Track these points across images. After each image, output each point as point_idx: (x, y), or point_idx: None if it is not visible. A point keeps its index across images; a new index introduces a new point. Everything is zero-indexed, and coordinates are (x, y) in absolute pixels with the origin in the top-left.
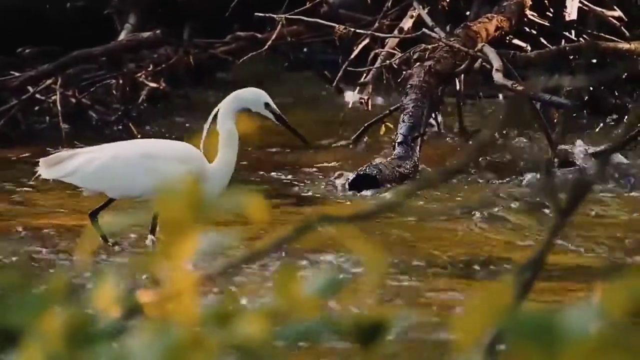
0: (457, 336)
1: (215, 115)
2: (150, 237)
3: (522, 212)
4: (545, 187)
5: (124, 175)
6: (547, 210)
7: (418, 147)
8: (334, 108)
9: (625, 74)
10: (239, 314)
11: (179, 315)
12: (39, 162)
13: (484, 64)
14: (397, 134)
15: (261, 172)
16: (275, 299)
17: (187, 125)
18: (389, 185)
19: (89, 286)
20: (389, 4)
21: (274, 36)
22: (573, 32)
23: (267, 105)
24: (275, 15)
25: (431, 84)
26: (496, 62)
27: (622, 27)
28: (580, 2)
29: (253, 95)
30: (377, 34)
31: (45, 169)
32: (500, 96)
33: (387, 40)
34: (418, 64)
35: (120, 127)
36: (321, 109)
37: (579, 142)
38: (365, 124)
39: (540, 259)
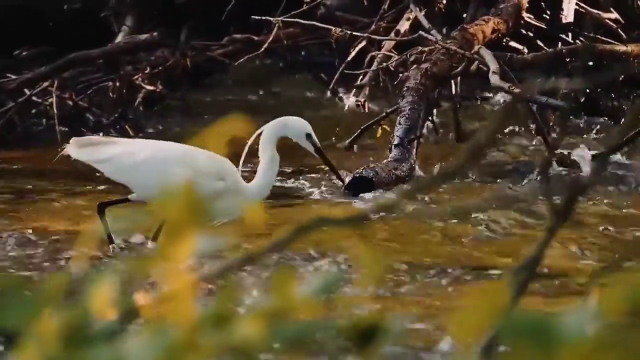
0: (454, 337)
1: (258, 135)
2: (151, 243)
3: (519, 213)
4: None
5: (157, 178)
6: (544, 212)
7: (414, 150)
8: (330, 110)
9: (622, 77)
10: (236, 316)
11: (175, 317)
12: (69, 141)
13: (480, 66)
14: (393, 136)
15: None
16: (272, 300)
17: (183, 127)
18: (385, 188)
19: (86, 288)
20: (386, 6)
21: (270, 38)
22: (570, 34)
23: (308, 136)
24: (271, 18)
25: (428, 86)
26: (493, 65)
27: (619, 30)
28: (577, 4)
29: (297, 125)
30: (373, 36)
31: (75, 149)
32: (501, 99)
33: (383, 43)
34: (415, 66)
35: (117, 129)
36: (318, 111)
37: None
38: (362, 127)
39: (537, 259)
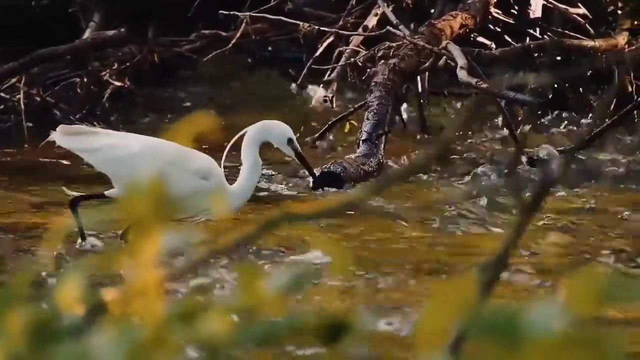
0: (420, 334)
1: (241, 136)
2: (120, 239)
3: (485, 209)
4: (509, 185)
5: (147, 173)
6: (511, 208)
7: (382, 145)
8: (298, 106)
9: (590, 72)
10: (203, 311)
11: (143, 313)
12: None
13: (448, 61)
14: (361, 131)
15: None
16: (239, 296)
17: (151, 123)
18: (353, 183)
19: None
20: (354, 2)
21: (238, 34)
22: (538, 29)
23: (290, 141)
24: (239, 13)
25: (395, 81)
26: (461, 60)
27: (587, 25)
28: None
29: (278, 130)
30: (341, 31)
31: (62, 137)
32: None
33: (351, 38)
34: (382, 61)
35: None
36: (285, 106)
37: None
38: (330, 122)
39: (504, 256)
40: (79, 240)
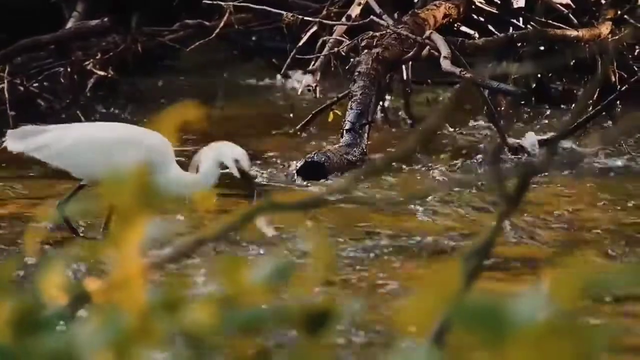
0: (403, 324)
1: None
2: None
3: (469, 199)
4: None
5: (92, 157)
6: (494, 197)
7: (366, 135)
8: (282, 96)
9: (573, 62)
10: (186, 301)
11: (126, 302)
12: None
13: (432, 51)
14: (345, 121)
15: None
16: (222, 286)
17: (135, 113)
18: (337, 173)
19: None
20: None
21: (222, 24)
22: (521, 19)
23: (236, 161)
24: (223, 3)
25: (379, 71)
26: (444, 50)
27: (571, 15)
28: None
29: (228, 152)
30: (325, 21)
31: (12, 142)
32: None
33: (335, 28)
34: (366, 51)
35: (69, 115)
36: (269, 96)
37: (526, 129)
38: (313, 112)
39: (488, 245)
40: (74, 235)
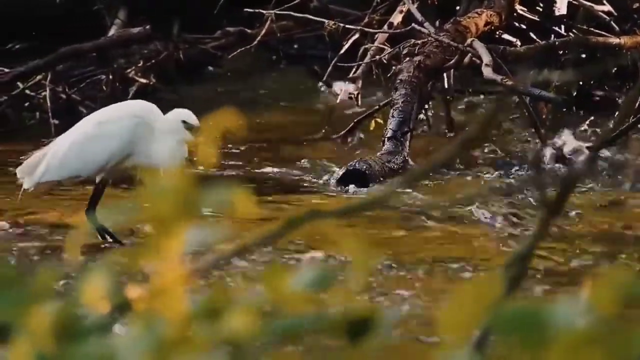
0: (443, 332)
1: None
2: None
3: (511, 207)
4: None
5: (88, 149)
6: (536, 205)
7: (407, 143)
8: (323, 103)
9: (615, 69)
10: (228, 309)
11: (167, 310)
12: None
13: (473, 58)
14: (386, 129)
15: (248, 168)
16: (264, 294)
17: None
18: (378, 181)
19: (78, 281)
20: None
21: (263, 32)
22: (563, 26)
23: (184, 122)
24: (264, 11)
25: (421, 79)
26: (486, 57)
27: (612, 22)
28: None
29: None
30: (366, 29)
31: (27, 180)
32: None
33: (376, 36)
34: (407, 59)
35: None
36: (311, 104)
37: (568, 137)
38: (355, 120)
39: (529, 253)
40: (109, 240)
